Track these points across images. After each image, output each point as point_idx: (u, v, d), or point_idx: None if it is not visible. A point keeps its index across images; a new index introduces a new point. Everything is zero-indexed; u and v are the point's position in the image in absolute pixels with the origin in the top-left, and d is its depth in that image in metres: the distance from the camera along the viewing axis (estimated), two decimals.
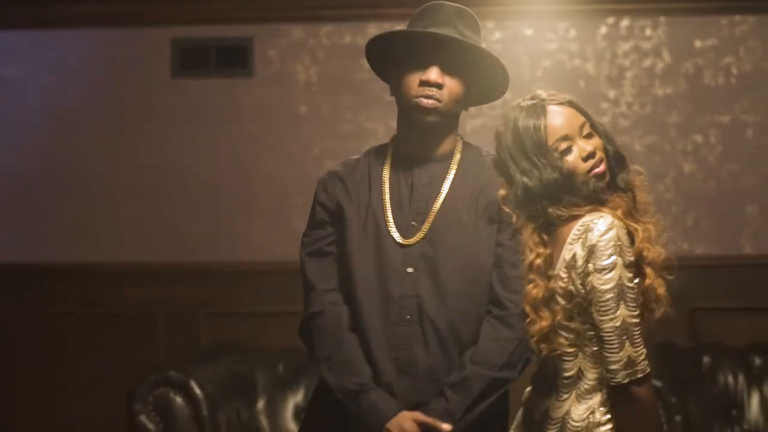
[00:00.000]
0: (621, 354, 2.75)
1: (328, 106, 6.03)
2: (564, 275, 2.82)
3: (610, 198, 2.88)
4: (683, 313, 5.43)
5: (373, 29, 5.62)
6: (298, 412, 5.22)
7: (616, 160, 2.94)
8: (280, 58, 6.05)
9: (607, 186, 2.90)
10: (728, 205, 5.85)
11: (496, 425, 3.31)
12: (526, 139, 2.89)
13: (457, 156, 3.39)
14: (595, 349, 2.81)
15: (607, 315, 2.75)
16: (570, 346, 2.85)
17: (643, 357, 2.77)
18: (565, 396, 2.88)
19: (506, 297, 3.22)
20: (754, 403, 5.14)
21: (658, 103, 5.90)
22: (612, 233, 2.75)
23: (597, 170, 2.88)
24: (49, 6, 6.03)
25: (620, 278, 2.74)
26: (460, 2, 3.37)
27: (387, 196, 3.35)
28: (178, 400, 4.88)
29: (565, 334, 2.84)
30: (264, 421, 5.21)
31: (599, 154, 2.89)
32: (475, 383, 3.21)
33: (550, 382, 2.92)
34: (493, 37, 5.88)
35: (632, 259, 2.77)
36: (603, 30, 5.94)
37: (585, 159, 2.87)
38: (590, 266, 2.75)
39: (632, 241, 2.80)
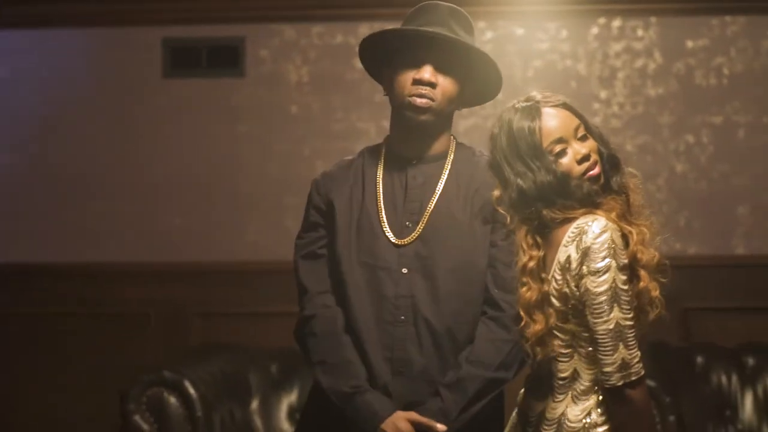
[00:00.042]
0: (615, 356, 2.74)
1: (319, 105, 6.02)
2: (559, 277, 2.81)
3: (604, 201, 2.87)
4: (675, 314, 5.43)
5: (365, 29, 5.63)
6: (292, 413, 5.22)
7: (611, 162, 2.94)
8: (271, 57, 6.05)
9: (602, 188, 2.89)
10: (720, 206, 5.86)
11: (492, 426, 3.31)
12: (520, 141, 2.88)
13: (451, 156, 3.39)
14: (590, 350, 2.81)
15: (601, 317, 2.75)
16: (565, 347, 2.85)
17: (637, 359, 2.76)
18: (561, 397, 2.88)
19: (501, 298, 3.23)
20: (748, 403, 5.14)
21: (650, 104, 5.91)
22: (606, 236, 2.75)
23: (591, 173, 2.87)
24: (41, 6, 6.02)
25: (614, 281, 2.74)
26: (453, 2, 3.38)
27: (381, 197, 3.35)
28: (172, 400, 4.87)
29: (560, 335, 2.84)
30: (258, 422, 5.20)
31: (594, 157, 2.89)
32: (470, 383, 3.22)
33: (546, 384, 2.92)
34: (485, 37, 5.87)
35: (626, 261, 2.77)
36: (594, 30, 5.94)
37: (579, 162, 2.87)
38: (584, 269, 2.75)
39: (626, 244, 2.80)
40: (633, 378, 2.76)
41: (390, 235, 3.31)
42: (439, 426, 3.19)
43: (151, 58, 6.08)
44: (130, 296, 5.98)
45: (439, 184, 3.34)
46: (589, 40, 5.94)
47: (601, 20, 5.93)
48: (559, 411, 2.87)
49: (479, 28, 5.80)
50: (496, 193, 2.96)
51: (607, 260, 2.73)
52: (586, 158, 2.87)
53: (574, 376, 2.86)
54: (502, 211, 2.95)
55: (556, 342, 2.85)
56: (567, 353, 2.85)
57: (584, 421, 2.84)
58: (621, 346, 2.74)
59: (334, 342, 3.31)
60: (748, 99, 5.87)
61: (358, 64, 3.47)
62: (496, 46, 5.84)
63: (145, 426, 4.83)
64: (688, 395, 5.05)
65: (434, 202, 3.32)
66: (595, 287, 2.74)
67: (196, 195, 6.03)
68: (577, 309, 2.80)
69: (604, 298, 2.74)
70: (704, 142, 5.88)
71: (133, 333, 5.95)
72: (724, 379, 5.17)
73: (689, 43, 5.90)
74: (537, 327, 2.85)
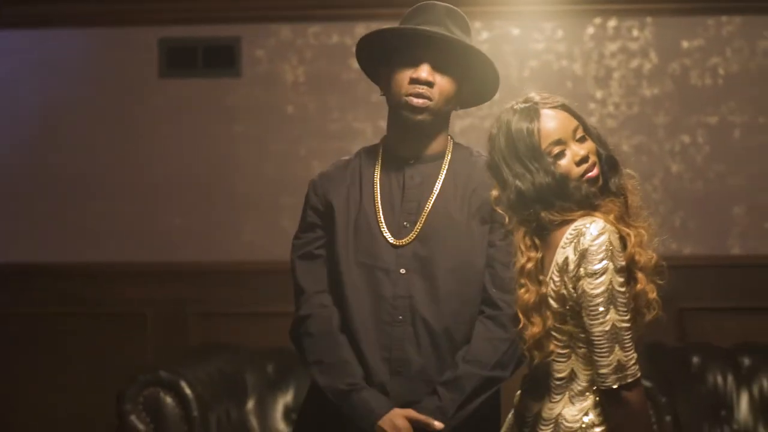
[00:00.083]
0: (611, 358, 2.75)
1: (315, 106, 6.02)
2: (556, 279, 2.82)
3: (602, 203, 2.88)
4: (671, 314, 5.42)
5: (361, 29, 5.62)
6: (287, 413, 5.23)
7: (609, 164, 2.94)
8: (267, 57, 6.05)
9: (600, 190, 2.90)
10: (716, 206, 5.86)
11: (488, 425, 3.32)
12: (519, 142, 2.88)
13: (449, 156, 3.39)
14: (587, 350, 2.82)
15: (597, 319, 2.75)
16: (563, 347, 2.85)
17: (633, 362, 2.77)
18: (558, 397, 2.88)
19: (499, 297, 3.22)
20: (743, 403, 5.14)
21: (646, 104, 5.91)
22: (604, 238, 2.75)
23: (590, 174, 2.88)
24: (38, 5, 6.02)
25: (611, 283, 2.74)
26: (450, 2, 3.38)
27: (378, 197, 3.35)
28: (169, 400, 4.86)
29: (557, 336, 2.85)
30: (254, 422, 5.20)
31: (592, 158, 2.89)
32: (467, 382, 3.22)
33: (543, 384, 2.92)
34: (481, 37, 5.88)
35: (623, 263, 2.78)
36: (590, 30, 5.94)
37: (578, 163, 2.87)
38: (581, 270, 2.76)
39: (624, 246, 2.80)
40: (629, 380, 2.76)
41: (388, 235, 3.31)
42: (437, 423, 3.19)
43: (148, 58, 6.08)
44: (129, 296, 5.98)
45: (437, 184, 3.34)
46: (584, 40, 5.94)
47: (597, 20, 5.94)
48: (556, 411, 2.87)
49: (475, 28, 5.79)
50: (495, 193, 2.96)
51: (605, 262, 2.74)
52: (584, 160, 2.88)
53: (571, 376, 2.86)
54: (500, 211, 2.95)
55: (554, 343, 2.85)
56: (564, 353, 2.86)
57: (581, 420, 2.84)
58: (617, 348, 2.74)
59: (330, 341, 3.31)
60: (743, 99, 5.88)
61: (355, 64, 3.47)
62: (492, 46, 5.84)
63: (141, 426, 4.82)
64: (684, 395, 5.06)
65: (432, 202, 3.32)
66: (591, 289, 2.74)
67: (194, 195, 6.04)
68: (574, 311, 2.80)
69: (600, 299, 2.74)
70: (700, 143, 5.89)
71: (131, 333, 5.96)
72: (719, 379, 5.17)
73: (685, 43, 5.90)
74: (535, 330, 2.85)
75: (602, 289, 2.73)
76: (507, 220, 2.93)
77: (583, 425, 2.83)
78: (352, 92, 5.94)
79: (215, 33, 6.06)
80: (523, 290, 2.88)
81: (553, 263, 2.83)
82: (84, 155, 6.08)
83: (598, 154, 2.92)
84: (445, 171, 3.36)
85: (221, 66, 6.07)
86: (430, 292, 3.27)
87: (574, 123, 2.92)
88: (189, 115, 6.06)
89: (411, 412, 3.21)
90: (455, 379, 3.22)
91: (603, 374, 2.76)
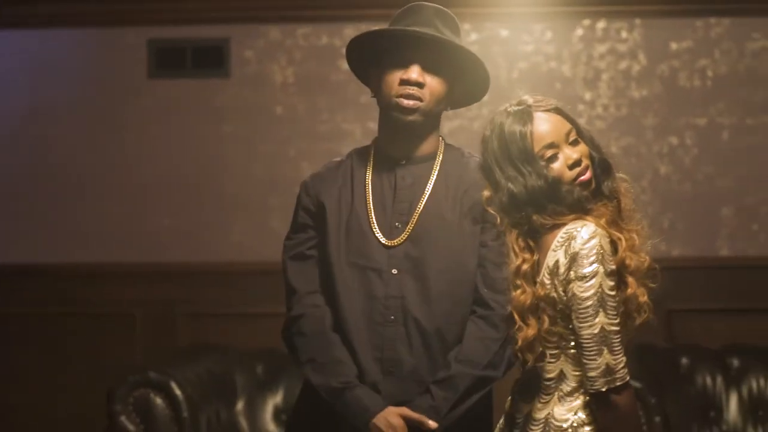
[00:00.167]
0: (599, 361, 2.74)
1: (304, 107, 6.02)
2: (547, 282, 2.82)
3: (594, 206, 2.87)
4: (660, 315, 5.36)
5: (350, 31, 5.62)
6: (277, 413, 5.22)
7: (602, 167, 2.94)
8: (256, 58, 6.05)
9: (592, 194, 2.90)
10: (704, 207, 5.88)
11: (480, 425, 3.33)
12: (512, 145, 2.88)
13: (440, 157, 3.40)
14: (576, 351, 2.82)
15: (586, 322, 2.75)
16: (552, 348, 2.86)
17: (622, 365, 2.76)
18: (548, 398, 2.88)
19: (491, 297, 3.24)
20: (732, 404, 5.15)
21: (634, 105, 5.93)
22: (594, 241, 2.75)
23: (582, 178, 2.87)
24: (27, 6, 6.01)
25: (600, 286, 2.74)
26: (439, 3, 3.39)
27: (370, 198, 3.36)
28: (159, 401, 4.86)
29: (548, 337, 2.85)
30: (243, 423, 5.20)
31: (585, 162, 2.89)
32: (460, 381, 3.23)
33: (533, 386, 2.92)
34: (470, 38, 5.88)
35: (614, 267, 2.77)
36: (579, 32, 5.95)
37: (571, 167, 2.87)
38: (572, 274, 2.76)
39: (615, 250, 2.81)
40: (618, 383, 2.76)
41: (379, 235, 3.31)
42: (431, 422, 3.20)
43: (137, 58, 6.07)
44: (118, 297, 5.97)
45: (428, 184, 3.35)
46: (573, 42, 5.95)
47: (586, 22, 5.95)
48: (546, 411, 2.87)
49: (464, 30, 5.76)
50: (486, 192, 2.96)
51: (595, 266, 2.74)
52: (577, 163, 2.88)
53: (561, 377, 2.86)
54: (492, 212, 2.95)
55: (544, 344, 2.85)
56: (554, 354, 2.86)
57: (571, 420, 2.84)
58: (605, 351, 2.74)
59: (323, 341, 3.32)
60: (732, 101, 5.89)
61: (344, 66, 3.48)
62: (482, 48, 5.84)
63: (131, 427, 4.82)
64: (673, 396, 5.07)
65: (423, 203, 3.33)
66: (581, 292, 2.74)
67: (182, 195, 6.03)
68: (564, 313, 2.80)
69: (590, 303, 2.74)
70: (688, 144, 5.90)
71: (120, 333, 5.95)
72: (708, 380, 5.18)
73: (673, 45, 5.92)
74: (530, 331, 2.85)
75: (592, 292, 2.73)
76: (499, 220, 2.93)
77: (574, 424, 2.83)
78: (342, 93, 5.93)
79: (204, 34, 6.06)
80: (518, 291, 2.87)
81: (544, 266, 2.83)
82: (72, 155, 6.07)
83: (591, 158, 2.92)
84: (436, 172, 3.37)
85: (210, 67, 6.06)
86: (422, 293, 3.28)
87: (567, 126, 2.92)
88: (178, 115, 6.06)
89: (405, 411, 3.22)
90: (448, 379, 3.23)
91: (592, 377, 2.76)
